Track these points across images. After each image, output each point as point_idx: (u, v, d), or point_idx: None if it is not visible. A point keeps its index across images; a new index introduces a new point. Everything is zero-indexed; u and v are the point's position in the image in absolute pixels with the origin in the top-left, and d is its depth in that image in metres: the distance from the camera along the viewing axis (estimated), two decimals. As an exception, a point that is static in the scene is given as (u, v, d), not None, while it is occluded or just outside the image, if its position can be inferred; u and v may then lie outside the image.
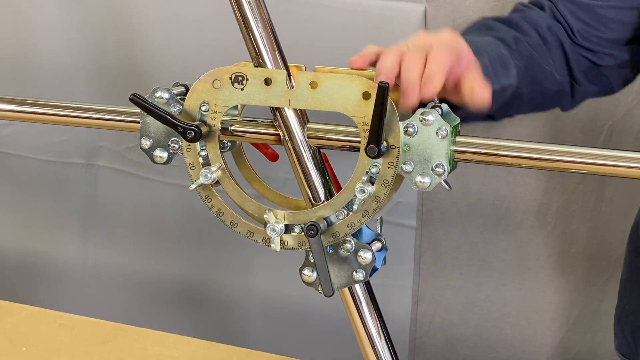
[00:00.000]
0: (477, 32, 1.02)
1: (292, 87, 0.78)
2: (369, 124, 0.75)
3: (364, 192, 0.77)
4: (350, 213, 0.79)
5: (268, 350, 1.23)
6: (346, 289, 0.86)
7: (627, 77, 1.09)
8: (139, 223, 1.86)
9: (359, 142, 0.78)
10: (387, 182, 0.77)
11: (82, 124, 0.93)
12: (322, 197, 0.82)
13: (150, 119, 0.84)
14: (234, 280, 1.84)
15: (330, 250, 0.82)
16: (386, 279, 1.60)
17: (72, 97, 1.41)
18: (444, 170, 0.76)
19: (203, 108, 0.81)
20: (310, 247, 0.80)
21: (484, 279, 1.64)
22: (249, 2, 0.79)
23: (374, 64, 0.83)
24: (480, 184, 1.57)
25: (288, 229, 0.82)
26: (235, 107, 0.85)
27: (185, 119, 0.81)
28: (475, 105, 0.82)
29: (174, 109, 0.83)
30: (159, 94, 0.83)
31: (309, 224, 0.79)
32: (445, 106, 0.77)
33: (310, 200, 0.83)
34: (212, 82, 0.80)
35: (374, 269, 0.82)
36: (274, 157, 0.91)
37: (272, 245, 0.81)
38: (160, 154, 0.85)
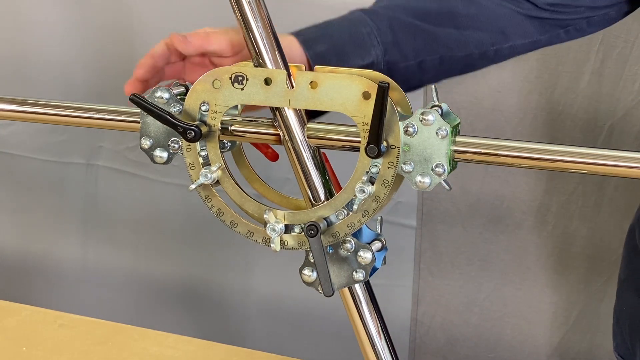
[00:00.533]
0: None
1: (292, 87, 0.78)
2: (369, 124, 0.75)
3: (364, 192, 0.77)
4: (350, 213, 0.79)
5: (268, 350, 1.23)
6: (346, 289, 0.86)
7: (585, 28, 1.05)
8: (139, 223, 1.86)
9: (359, 142, 0.78)
10: (387, 182, 0.77)
11: (82, 124, 0.93)
12: (322, 197, 0.82)
13: (150, 119, 0.83)
14: (234, 280, 1.84)
15: (330, 250, 0.82)
16: (386, 279, 1.60)
17: (72, 97, 1.41)
18: (444, 170, 0.76)
19: (203, 108, 0.81)
20: (310, 247, 0.80)
21: (484, 279, 1.64)
22: (249, 2, 0.79)
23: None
24: (480, 184, 1.57)
25: (288, 229, 0.82)
26: (235, 107, 0.85)
27: (185, 119, 0.81)
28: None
29: (174, 109, 0.83)
30: (159, 94, 0.83)
31: (309, 224, 0.79)
32: (445, 106, 0.77)
33: (310, 200, 0.83)
34: (212, 82, 0.80)
35: (374, 269, 0.82)
36: (274, 157, 0.91)
37: (272, 245, 0.81)
38: (160, 154, 0.85)
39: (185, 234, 1.83)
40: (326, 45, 0.91)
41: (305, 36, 0.93)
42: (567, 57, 1.43)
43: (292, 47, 0.92)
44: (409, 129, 0.76)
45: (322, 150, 0.84)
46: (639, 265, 1.14)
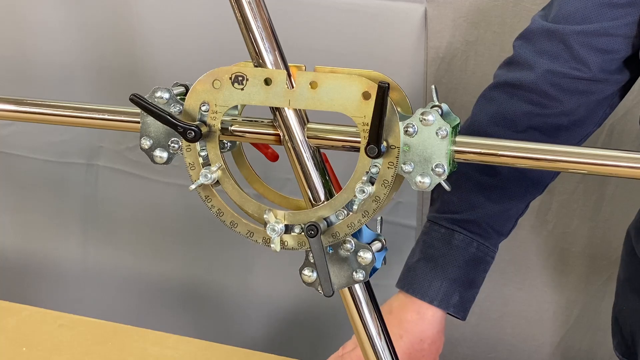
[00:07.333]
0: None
1: (292, 87, 0.78)
2: (369, 124, 0.75)
3: (364, 192, 0.77)
4: (350, 213, 0.79)
5: (268, 350, 1.23)
6: (346, 289, 0.86)
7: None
8: (139, 223, 1.86)
9: (359, 142, 0.78)
10: (387, 182, 0.77)
11: (82, 124, 0.93)
12: (322, 197, 0.82)
13: (150, 119, 0.83)
14: (234, 280, 1.84)
15: (330, 251, 0.82)
16: (386, 279, 1.60)
17: (72, 97, 1.41)
18: (444, 171, 0.75)
19: (203, 108, 0.81)
20: (310, 247, 0.80)
21: (484, 278, 1.64)
22: (249, 2, 0.79)
23: None
24: (480, 184, 1.56)
25: (288, 229, 0.82)
26: (235, 107, 0.85)
27: (185, 119, 0.81)
28: None
29: (174, 109, 0.83)
30: (159, 94, 0.83)
31: (309, 224, 0.79)
32: (445, 106, 0.77)
33: (310, 201, 0.83)
34: (212, 82, 0.80)
35: (374, 269, 0.82)
36: (274, 157, 0.91)
37: (272, 245, 0.81)
38: (160, 154, 0.85)
39: (185, 234, 1.83)
40: (458, 295, 1.01)
41: (439, 301, 1.02)
42: (567, 57, 1.42)
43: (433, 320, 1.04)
44: (409, 129, 0.75)
45: (322, 150, 0.84)
46: (637, 267, 1.15)
